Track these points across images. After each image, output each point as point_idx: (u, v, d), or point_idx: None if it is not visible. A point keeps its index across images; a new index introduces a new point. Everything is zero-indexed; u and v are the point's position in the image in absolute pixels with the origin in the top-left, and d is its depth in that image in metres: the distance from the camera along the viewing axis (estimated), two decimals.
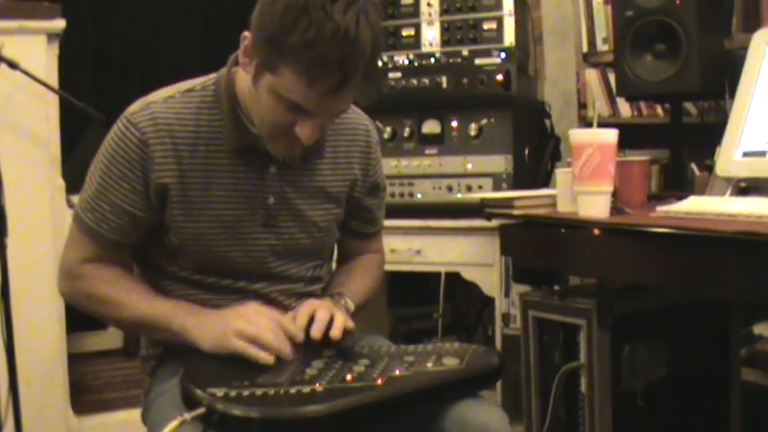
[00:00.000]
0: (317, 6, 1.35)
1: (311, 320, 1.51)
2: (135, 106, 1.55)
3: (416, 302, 3.69)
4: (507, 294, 2.72)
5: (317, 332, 1.49)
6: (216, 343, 1.48)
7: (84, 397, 3.30)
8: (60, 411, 2.90)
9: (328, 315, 1.52)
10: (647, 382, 2.11)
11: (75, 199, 2.78)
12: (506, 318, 2.73)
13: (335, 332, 1.50)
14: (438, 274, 3.43)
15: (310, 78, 1.37)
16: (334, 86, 1.39)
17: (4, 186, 2.54)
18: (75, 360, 3.36)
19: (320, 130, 1.50)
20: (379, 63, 2.74)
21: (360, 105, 1.69)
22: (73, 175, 2.91)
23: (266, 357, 1.44)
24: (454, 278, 3.01)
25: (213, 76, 1.60)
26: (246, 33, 1.46)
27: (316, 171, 1.65)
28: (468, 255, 2.71)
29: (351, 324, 1.55)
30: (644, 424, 2.11)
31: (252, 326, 1.47)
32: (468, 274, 2.76)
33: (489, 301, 2.84)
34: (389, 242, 2.58)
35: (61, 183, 2.87)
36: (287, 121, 1.45)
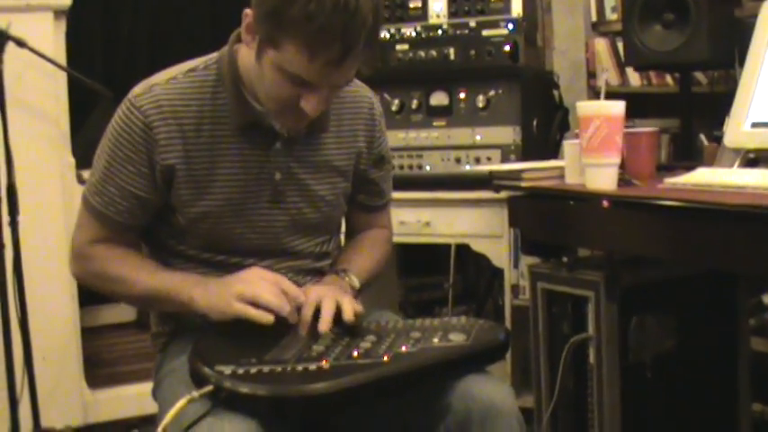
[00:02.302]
0: None
1: (318, 309, 1.52)
2: (138, 89, 1.55)
3: (427, 272, 3.69)
4: (516, 266, 2.73)
5: (324, 326, 1.49)
6: (219, 309, 1.49)
7: (98, 370, 3.33)
8: (75, 385, 2.94)
9: (334, 305, 1.52)
10: (655, 354, 2.11)
11: (86, 174, 2.81)
12: (515, 289, 2.75)
13: (348, 315, 1.50)
14: (448, 245, 3.43)
15: (312, 50, 1.38)
16: (337, 58, 1.39)
17: (14, 164, 2.56)
18: (89, 333, 3.39)
19: (325, 102, 1.51)
20: (382, 33, 2.73)
21: (362, 74, 1.69)
22: (82, 152, 2.93)
23: (265, 317, 1.45)
24: (464, 248, 3.02)
25: (215, 55, 1.60)
26: (248, 11, 1.46)
27: (321, 145, 1.65)
28: (476, 226, 2.73)
29: (359, 308, 1.55)
30: (652, 395, 2.12)
31: (252, 288, 1.48)
32: (478, 246, 2.77)
33: (499, 272, 2.85)
34: (398, 214, 2.59)
35: (71, 160, 2.89)
36: (292, 95, 1.46)
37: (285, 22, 1.37)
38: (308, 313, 1.52)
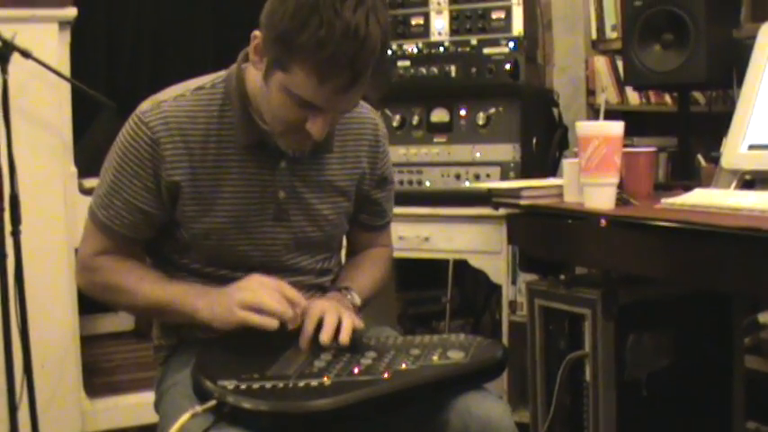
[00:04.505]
0: (327, 5, 1.36)
1: (320, 323, 1.53)
2: (146, 105, 1.57)
3: (425, 286, 3.71)
4: (514, 282, 2.75)
5: (325, 338, 1.51)
6: (223, 318, 1.52)
7: (97, 379, 3.34)
8: (73, 394, 2.94)
9: (336, 319, 1.53)
10: (650, 372, 2.13)
11: (87, 183, 2.83)
12: (513, 305, 2.76)
13: (344, 338, 1.51)
14: (446, 260, 3.45)
15: (321, 77, 1.39)
16: (345, 84, 1.41)
17: (17, 174, 2.57)
18: (88, 342, 3.40)
19: (331, 125, 1.53)
20: (389, 53, 2.76)
21: (369, 98, 1.71)
22: (83, 161, 2.94)
23: (269, 322, 1.47)
24: (462, 263, 3.04)
25: (222, 73, 1.62)
26: (257, 32, 1.47)
27: (325, 165, 1.67)
28: (475, 242, 2.74)
29: (359, 324, 1.57)
30: (647, 413, 2.13)
31: (253, 295, 1.50)
32: (476, 262, 2.78)
33: (497, 287, 2.87)
34: (398, 229, 2.60)
35: (73, 170, 2.90)
36: (298, 117, 1.48)
37: (295, 48, 1.39)
38: (310, 327, 1.53)
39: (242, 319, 1.49)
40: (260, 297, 1.49)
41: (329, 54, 1.37)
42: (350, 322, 1.54)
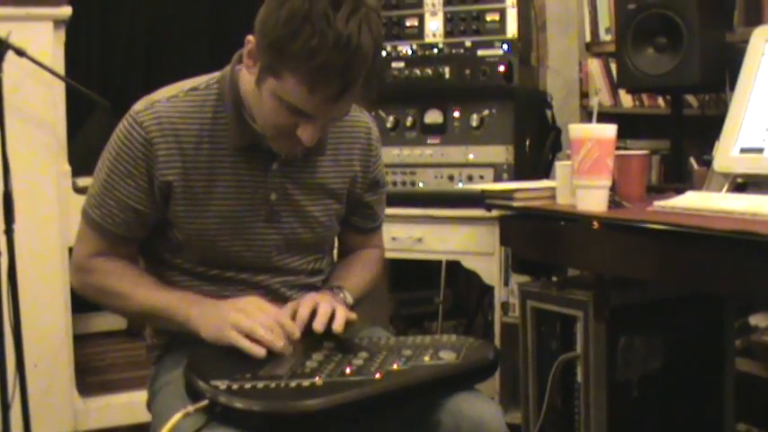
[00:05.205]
0: (319, 15, 1.36)
1: (313, 313, 1.54)
2: (139, 105, 1.57)
3: (418, 287, 3.72)
4: (507, 283, 2.75)
5: (318, 325, 1.52)
6: (214, 334, 1.52)
7: (89, 378, 3.34)
8: (66, 393, 2.94)
9: (330, 309, 1.55)
10: (642, 373, 2.13)
11: (81, 182, 2.83)
12: (505, 306, 2.76)
13: (337, 326, 1.53)
14: (439, 260, 3.46)
15: (312, 85, 1.40)
16: (336, 93, 1.42)
17: (11, 172, 2.57)
18: (80, 341, 3.39)
19: (321, 131, 1.54)
20: (383, 55, 2.77)
21: (361, 103, 1.72)
22: (77, 159, 2.94)
23: (258, 351, 1.47)
24: (455, 264, 3.04)
25: (217, 74, 1.62)
26: (250, 37, 1.48)
27: (317, 167, 1.68)
28: (468, 244, 2.75)
29: (353, 315, 1.58)
30: (638, 414, 2.14)
31: (248, 320, 1.50)
32: (469, 263, 2.79)
33: (489, 288, 2.87)
34: (391, 230, 2.61)
35: (67, 168, 2.90)
36: (289, 123, 1.48)
37: (287, 56, 1.39)
38: (304, 313, 1.54)
39: (231, 340, 1.49)
40: (254, 325, 1.49)
41: (320, 63, 1.37)
42: (343, 313, 1.55)
